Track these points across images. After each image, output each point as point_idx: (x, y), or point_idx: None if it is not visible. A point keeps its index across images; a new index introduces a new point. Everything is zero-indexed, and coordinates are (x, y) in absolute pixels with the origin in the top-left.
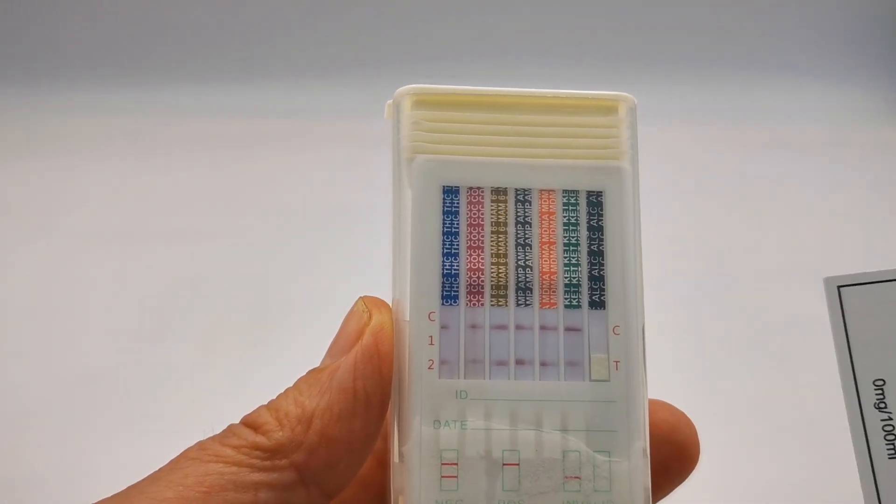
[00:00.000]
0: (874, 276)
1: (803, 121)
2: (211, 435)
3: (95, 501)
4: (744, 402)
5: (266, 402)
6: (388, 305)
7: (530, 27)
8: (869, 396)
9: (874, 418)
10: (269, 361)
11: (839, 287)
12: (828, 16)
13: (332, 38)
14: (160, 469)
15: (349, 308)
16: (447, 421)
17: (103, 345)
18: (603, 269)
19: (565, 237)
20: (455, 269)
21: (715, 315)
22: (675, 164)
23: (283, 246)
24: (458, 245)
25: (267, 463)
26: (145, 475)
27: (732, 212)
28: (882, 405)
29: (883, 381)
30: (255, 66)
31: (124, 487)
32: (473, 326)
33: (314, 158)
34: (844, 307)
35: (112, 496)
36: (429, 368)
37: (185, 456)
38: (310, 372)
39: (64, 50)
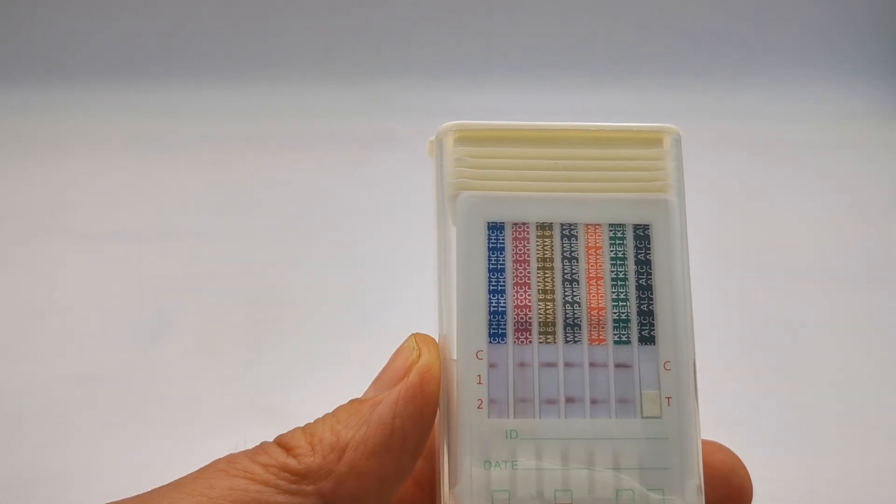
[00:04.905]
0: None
1: (803, 121)
2: (242, 448)
3: (117, 500)
4: (743, 403)
5: (302, 425)
6: (438, 344)
7: (526, 28)
8: None
9: None
10: (268, 361)
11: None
12: (828, 16)
13: (333, 38)
14: (186, 476)
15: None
16: (498, 461)
17: (103, 345)
18: (652, 304)
19: (613, 272)
20: (502, 307)
21: (714, 315)
22: None
23: (282, 246)
24: (504, 282)
25: (294, 486)
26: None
27: (732, 212)
28: None
29: None
30: (255, 66)
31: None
32: (522, 364)
33: (314, 158)
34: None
35: (134, 496)
36: (478, 408)
37: (213, 467)
38: (351, 402)
39: (64, 50)
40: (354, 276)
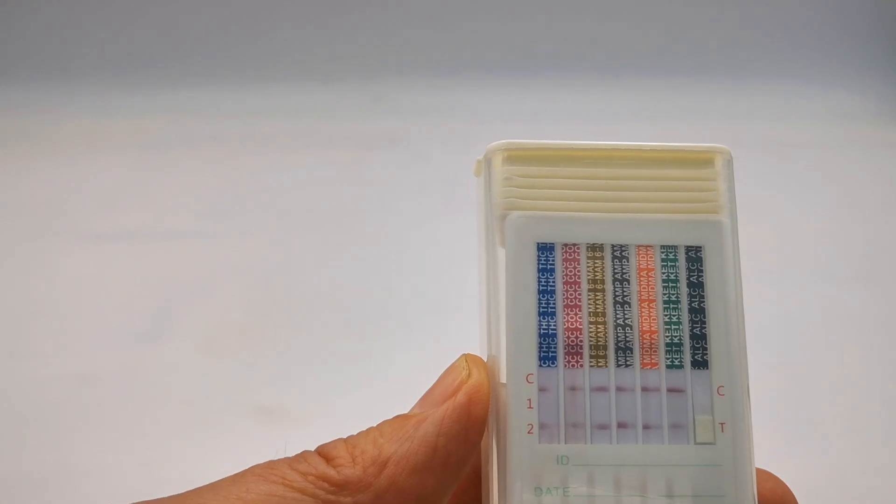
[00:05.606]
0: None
1: (803, 121)
2: (282, 456)
3: (150, 499)
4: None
5: (344, 437)
6: (487, 366)
7: (529, 28)
8: None
9: None
10: (269, 361)
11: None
12: (828, 17)
13: (333, 38)
14: (223, 479)
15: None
16: (549, 487)
17: (103, 345)
18: (705, 328)
19: (665, 294)
20: (552, 329)
21: None
22: None
23: (282, 246)
24: (554, 304)
25: (331, 497)
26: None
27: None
28: None
29: None
30: (255, 66)
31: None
32: (573, 388)
33: (314, 158)
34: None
35: (170, 497)
36: (528, 433)
37: (252, 471)
38: (396, 417)
39: (64, 50)
40: (354, 277)
